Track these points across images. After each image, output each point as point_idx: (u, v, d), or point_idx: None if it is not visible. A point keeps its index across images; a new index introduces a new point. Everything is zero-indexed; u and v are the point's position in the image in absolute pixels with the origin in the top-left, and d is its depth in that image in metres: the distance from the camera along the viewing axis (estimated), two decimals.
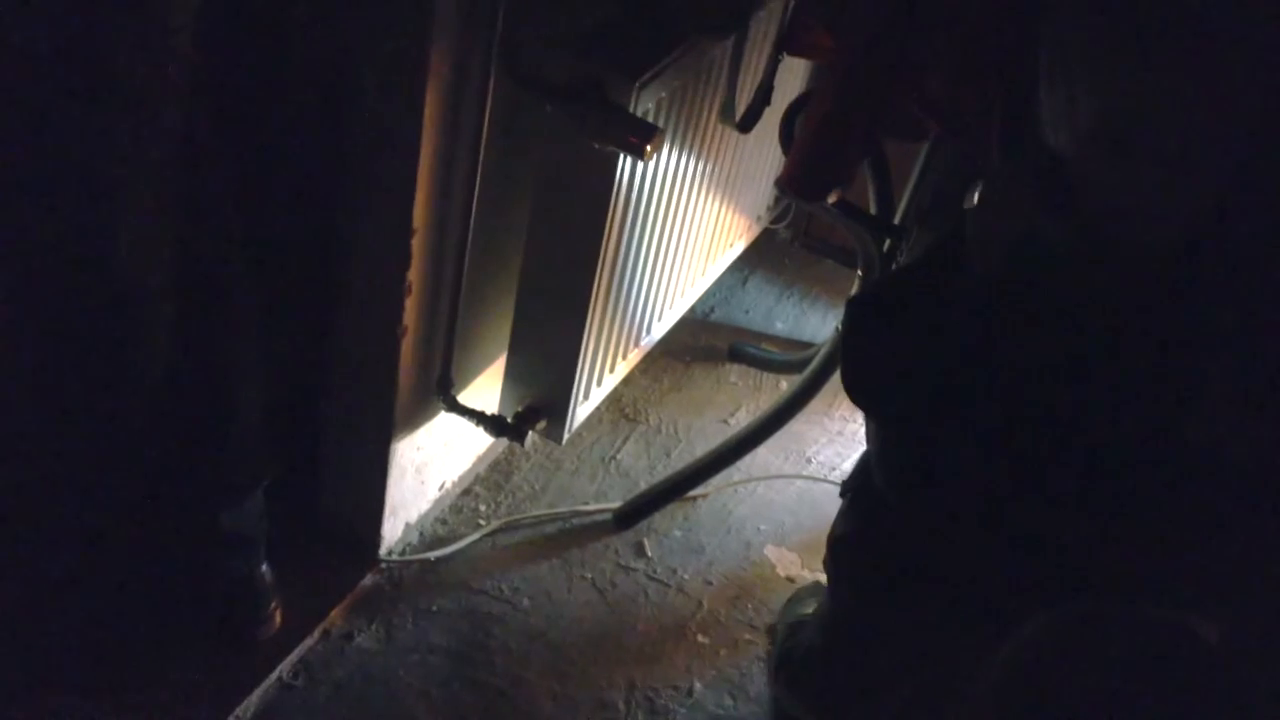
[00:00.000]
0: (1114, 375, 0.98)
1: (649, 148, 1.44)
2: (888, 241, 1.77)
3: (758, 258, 2.57)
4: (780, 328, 2.50)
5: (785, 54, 1.59)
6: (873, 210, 1.74)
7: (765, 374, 2.35)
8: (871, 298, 1.30)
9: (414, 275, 1.52)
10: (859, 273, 1.87)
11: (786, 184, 1.51)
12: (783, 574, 1.96)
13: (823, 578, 1.95)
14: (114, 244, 1.28)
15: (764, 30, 1.76)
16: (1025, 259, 0.99)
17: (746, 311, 2.52)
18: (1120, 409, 0.98)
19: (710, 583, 1.92)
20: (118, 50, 1.16)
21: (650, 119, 1.51)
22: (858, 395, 1.25)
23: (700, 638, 1.83)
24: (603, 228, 1.55)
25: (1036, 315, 1.00)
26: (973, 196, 1.13)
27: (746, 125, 1.72)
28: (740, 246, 2.25)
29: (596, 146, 1.46)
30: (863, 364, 1.21)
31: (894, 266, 1.74)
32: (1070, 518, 1.06)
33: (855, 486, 1.45)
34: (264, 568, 1.63)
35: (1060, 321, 0.99)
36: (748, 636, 1.85)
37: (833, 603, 1.58)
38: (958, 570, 1.24)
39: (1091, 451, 1.02)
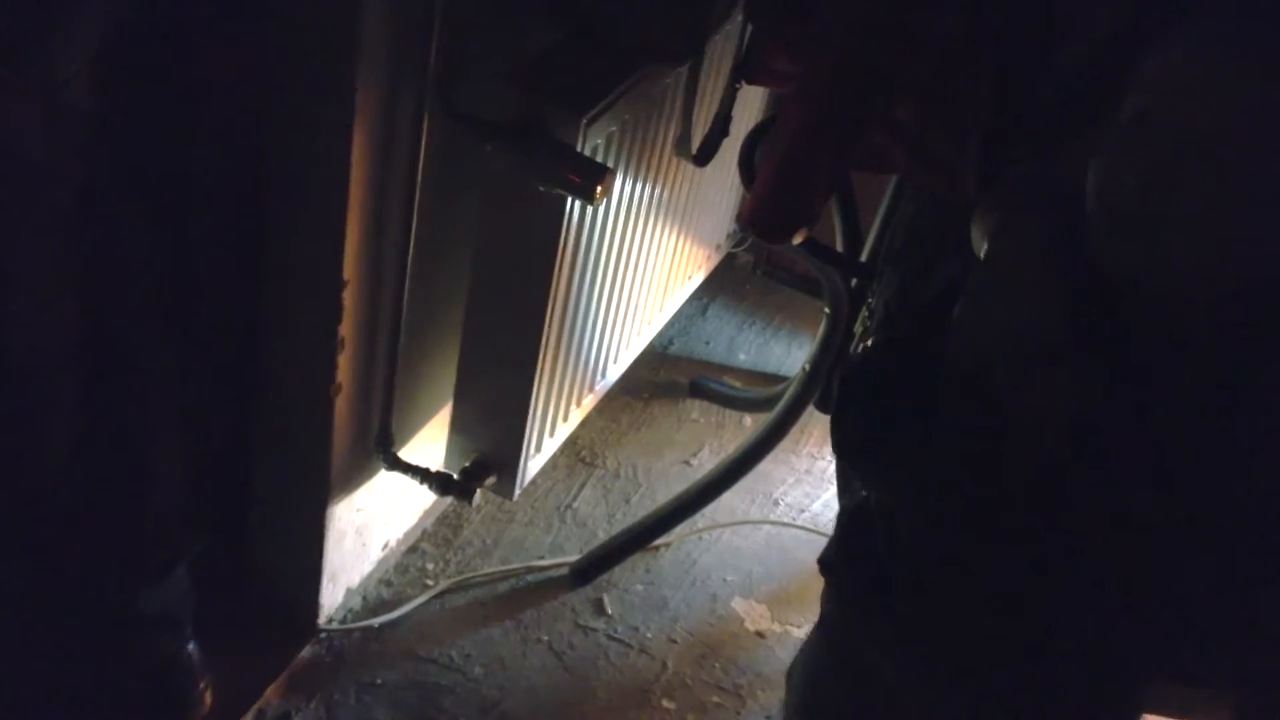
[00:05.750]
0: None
1: (599, 190, 1.33)
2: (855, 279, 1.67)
3: (718, 285, 2.47)
4: (743, 359, 2.40)
5: (744, 82, 1.49)
6: (839, 246, 1.64)
7: (729, 410, 2.24)
8: (864, 372, 1.17)
9: (346, 329, 1.41)
10: (825, 309, 1.78)
11: (749, 224, 1.39)
12: (751, 629, 1.85)
13: (795, 633, 1.85)
14: (8, 312, 1.15)
15: (720, 57, 1.66)
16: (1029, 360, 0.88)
17: (707, 342, 2.42)
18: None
19: (675, 641, 1.81)
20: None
21: (600, 156, 1.40)
22: (856, 466, 1.13)
23: (665, 702, 1.72)
24: (551, 273, 1.43)
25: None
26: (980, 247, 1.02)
27: (704, 158, 1.60)
28: (700, 277, 2.14)
29: (542, 189, 1.35)
30: (860, 440, 1.08)
31: (865, 308, 1.64)
32: (1093, 610, 0.95)
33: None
34: (190, 646, 1.50)
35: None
36: (715, 699, 1.74)
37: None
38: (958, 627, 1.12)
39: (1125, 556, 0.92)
